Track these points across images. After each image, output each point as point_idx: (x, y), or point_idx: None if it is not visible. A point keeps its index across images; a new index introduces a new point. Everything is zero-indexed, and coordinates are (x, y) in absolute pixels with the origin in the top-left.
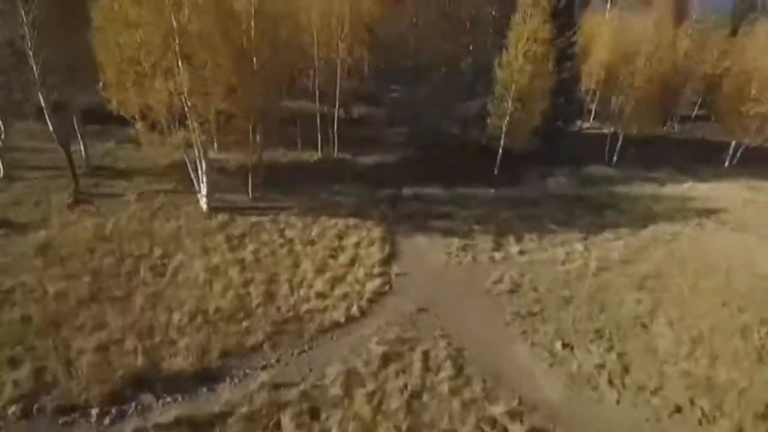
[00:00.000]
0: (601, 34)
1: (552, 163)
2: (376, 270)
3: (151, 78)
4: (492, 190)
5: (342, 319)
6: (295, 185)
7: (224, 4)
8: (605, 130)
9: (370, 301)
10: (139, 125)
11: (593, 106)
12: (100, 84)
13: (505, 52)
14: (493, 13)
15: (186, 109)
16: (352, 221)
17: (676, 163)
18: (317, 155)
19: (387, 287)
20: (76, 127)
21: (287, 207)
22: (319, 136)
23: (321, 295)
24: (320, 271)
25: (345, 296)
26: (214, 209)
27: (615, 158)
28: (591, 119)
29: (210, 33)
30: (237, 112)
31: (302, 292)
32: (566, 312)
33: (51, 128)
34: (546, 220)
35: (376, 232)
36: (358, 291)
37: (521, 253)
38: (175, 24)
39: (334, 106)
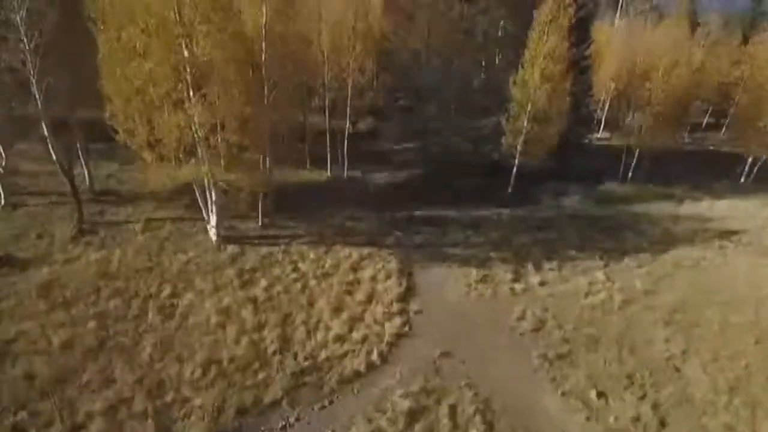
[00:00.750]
0: (612, 44)
1: (565, 180)
2: (395, 307)
3: (160, 109)
4: (506, 211)
5: (363, 368)
6: (306, 209)
7: (236, 31)
8: (615, 142)
9: (391, 344)
10: (146, 155)
11: (602, 116)
12: (107, 114)
13: (521, 69)
14: (507, 28)
15: (197, 142)
16: (366, 250)
17: (691, 178)
18: (327, 174)
19: (407, 327)
20: (78, 147)
21: (299, 234)
22: (328, 154)
23: (339, 339)
24: (337, 310)
25: (364, 339)
26: (223, 239)
27: (630, 174)
28: (601, 130)
29: (223, 62)
30: (250, 143)
31: (319, 335)
32: (595, 354)
33: (54, 157)
34: (564, 246)
35: (392, 263)
36: (378, 333)
37: (542, 284)
38: (186, 53)
39: (344, 124)
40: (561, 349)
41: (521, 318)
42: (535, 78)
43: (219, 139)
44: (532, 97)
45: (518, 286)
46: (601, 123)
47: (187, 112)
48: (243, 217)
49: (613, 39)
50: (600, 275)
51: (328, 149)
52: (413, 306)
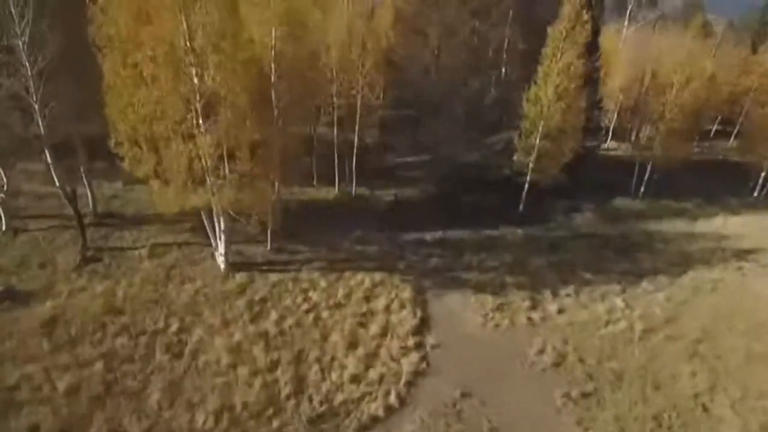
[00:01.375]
0: (620, 53)
1: (576, 196)
2: (411, 341)
3: (168, 139)
4: (519, 231)
5: (381, 412)
6: (315, 231)
7: (248, 59)
8: (623, 152)
9: (409, 384)
10: (154, 184)
11: (610, 126)
12: (111, 142)
13: (534, 85)
14: (520, 45)
15: (206, 171)
16: (378, 276)
17: (703, 191)
18: (334, 191)
19: (424, 364)
20: (81, 167)
21: (308, 259)
22: (336, 171)
23: (355, 379)
24: (351, 345)
25: (381, 379)
26: (231, 266)
27: (642, 189)
28: (608, 140)
29: (234, 92)
30: (260, 170)
31: (334, 375)
32: (619, 391)
33: (57, 183)
34: (579, 268)
35: (406, 290)
36: (395, 371)
37: (560, 311)
38: (196, 81)
39: (351, 137)
40: (585, 387)
41: (541, 351)
42: (548, 94)
43: (228, 169)
44: (545, 114)
45: (536, 315)
46: (608, 133)
47: (196, 142)
48: (251, 240)
49: (621, 48)
50: (618, 301)
51: (336, 167)
52: (430, 339)
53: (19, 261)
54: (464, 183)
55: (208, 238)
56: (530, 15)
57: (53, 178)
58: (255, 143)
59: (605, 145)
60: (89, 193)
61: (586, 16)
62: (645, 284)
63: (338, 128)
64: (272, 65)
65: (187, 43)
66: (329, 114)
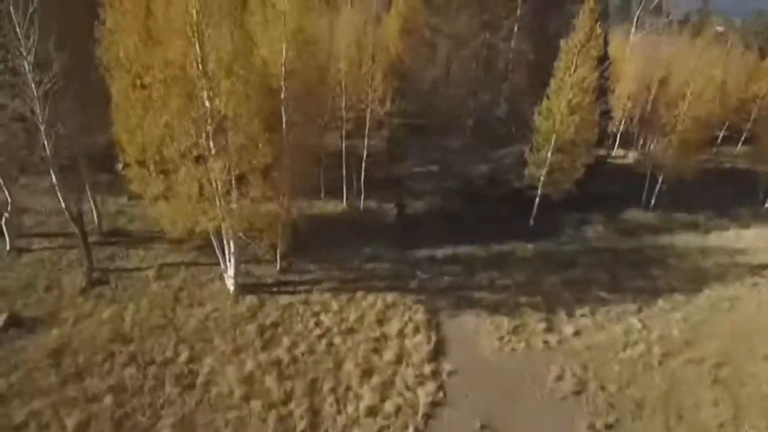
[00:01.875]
0: (627, 60)
1: (586, 207)
2: (426, 369)
3: (178, 163)
4: (530, 246)
5: None
6: (324, 248)
7: (261, 83)
8: (631, 160)
9: (426, 416)
10: (162, 207)
11: (617, 134)
12: (120, 165)
13: (546, 99)
14: (530, 57)
15: (217, 197)
16: (390, 297)
17: (713, 202)
18: (342, 205)
19: (441, 393)
20: (86, 183)
21: (318, 280)
22: (344, 185)
23: (371, 412)
24: (366, 373)
25: (398, 411)
26: (240, 287)
27: (653, 201)
28: (616, 147)
29: (248, 115)
30: (273, 194)
31: (350, 408)
32: (641, 421)
33: (63, 205)
34: (594, 287)
35: (419, 312)
36: (411, 403)
37: (576, 334)
38: (208, 105)
39: (357, 145)
40: (608, 418)
41: (560, 377)
42: (561, 108)
43: (240, 193)
44: (558, 128)
45: (552, 338)
46: (615, 140)
47: (206, 166)
48: (259, 260)
49: (628, 55)
50: (635, 322)
51: (344, 180)
52: (446, 366)
53: (24, 283)
54: (473, 196)
55: (216, 257)
56: (542, 27)
57: (58, 197)
58: (267, 166)
59: (612, 153)
60: (94, 210)
61: (599, 30)
62: (661, 303)
63: (346, 140)
64: (282, 83)
65: (200, 67)
66: (338, 128)
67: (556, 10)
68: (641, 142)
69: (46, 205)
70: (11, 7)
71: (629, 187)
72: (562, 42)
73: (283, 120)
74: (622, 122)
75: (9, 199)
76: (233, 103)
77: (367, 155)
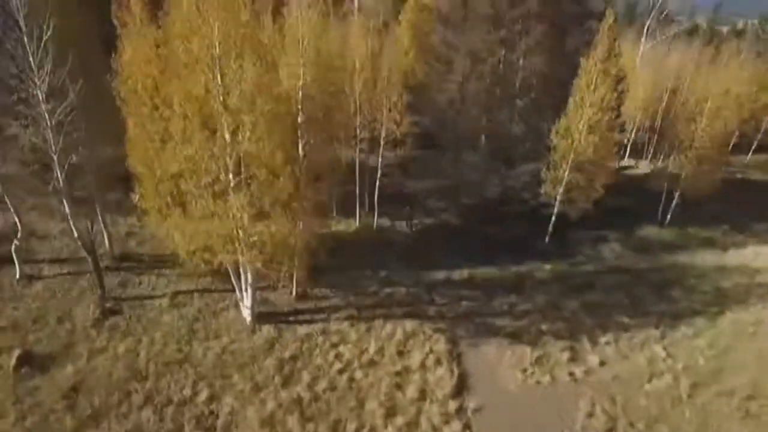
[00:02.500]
0: (637, 71)
1: (601, 223)
2: (451, 406)
3: (198, 198)
4: (547, 266)
5: None
6: (339, 272)
7: (284, 115)
8: (641, 170)
9: None
10: (179, 240)
11: (628, 144)
12: (136, 197)
13: (563, 117)
14: (548, 74)
15: (237, 232)
16: (409, 325)
17: (728, 217)
18: (355, 224)
19: None
20: (98, 208)
21: (335, 307)
22: (357, 204)
23: None
24: (390, 413)
25: None
26: (257, 317)
27: (668, 218)
28: (626, 157)
29: (271, 149)
30: (291, 228)
31: None
32: None
33: (75, 234)
34: (614, 311)
35: (440, 342)
36: None
37: (602, 364)
38: (228, 137)
39: (373, 171)
40: None
41: (590, 414)
42: (580, 127)
43: (259, 227)
44: (576, 147)
45: (577, 370)
46: (625, 150)
47: (226, 201)
48: (274, 285)
49: (639, 65)
50: (659, 350)
51: (357, 198)
52: (470, 402)
53: (35, 315)
54: (488, 214)
55: (230, 283)
56: (560, 43)
57: (70, 225)
58: (290, 197)
59: (623, 163)
60: (105, 234)
61: (619, 49)
62: (684, 328)
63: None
64: (299, 107)
65: (222, 101)
66: (352, 147)
67: (575, 26)
68: (651, 152)
69: (55, 228)
70: (25, 37)
71: (643, 201)
72: (581, 60)
73: (300, 147)
74: (633, 132)
75: (19, 227)
76: (256, 138)
77: (381, 174)
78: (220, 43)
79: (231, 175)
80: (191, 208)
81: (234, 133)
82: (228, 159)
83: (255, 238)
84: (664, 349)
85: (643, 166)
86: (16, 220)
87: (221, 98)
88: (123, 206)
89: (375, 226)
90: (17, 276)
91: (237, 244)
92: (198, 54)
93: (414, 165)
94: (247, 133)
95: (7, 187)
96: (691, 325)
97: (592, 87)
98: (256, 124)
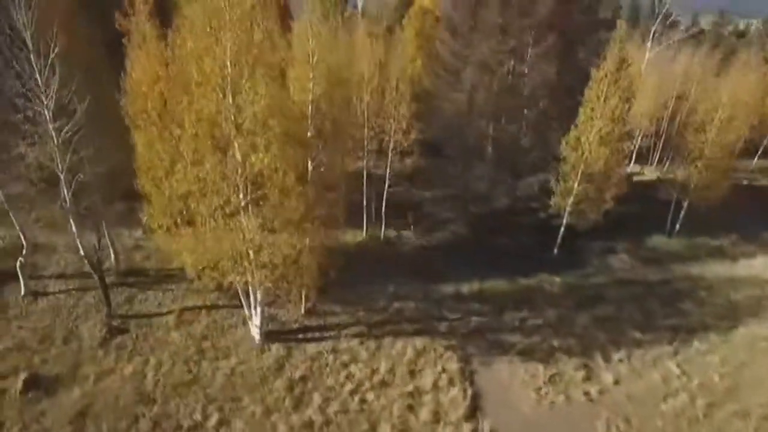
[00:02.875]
0: (643, 77)
1: (609, 233)
2: (465, 429)
3: (209, 219)
4: (557, 279)
5: None
6: (347, 286)
7: (297, 136)
8: (646, 177)
9: None
10: (188, 260)
11: (634, 150)
12: (144, 219)
13: (574, 129)
14: (557, 84)
15: (248, 252)
16: (419, 343)
17: (736, 225)
18: (362, 235)
19: None
20: (104, 225)
21: (345, 323)
22: (365, 215)
23: None
24: None
25: None
26: (266, 336)
27: (677, 227)
28: (632, 163)
29: (284, 170)
30: (302, 247)
31: None
32: None
33: (82, 252)
34: (627, 325)
35: (451, 362)
36: None
37: (616, 382)
38: (239, 157)
39: (380, 182)
40: None
41: None
42: (590, 139)
43: (271, 248)
44: (587, 158)
45: (592, 389)
46: (631, 156)
47: (238, 222)
48: (283, 301)
49: (644, 71)
50: (673, 367)
51: (365, 210)
52: (485, 425)
53: (41, 335)
54: (496, 224)
55: (237, 297)
56: (570, 53)
57: (77, 244)
58: (301, 217)
59: (629, 169)
60: (111, 248)
61: (630, 60)
62: (697, 344)
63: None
64: (309, 122)
65: (234, 122)
66: (359, 157)
67: (584, 36)
68: (657, 158)
69: (61, 241)
70: (32, 55)
71: (649, 209)
72: (592, 71)
73: (310, 163)
74: (639, 138)
75: (24, 243)
76: (269, 159)
77: (389, 185)
78: (232, 63)
79: (242, 196)
80: (201, 228)
81: (246, 155)
82: (239, 180)
83: (266, 259)
84: (678, 366)
85: (649, 172)
86: (22, 237)
87: (233, 119)
88: (128, 218)
89: (382, 236)
90: (22, 292)
91: (247, 265)
92: (209, 73)
93: (421, 174)
94: (260, 155)
95: (13, 205)
96: (704, 340)
97: (603, 98)
98: (269, 145)
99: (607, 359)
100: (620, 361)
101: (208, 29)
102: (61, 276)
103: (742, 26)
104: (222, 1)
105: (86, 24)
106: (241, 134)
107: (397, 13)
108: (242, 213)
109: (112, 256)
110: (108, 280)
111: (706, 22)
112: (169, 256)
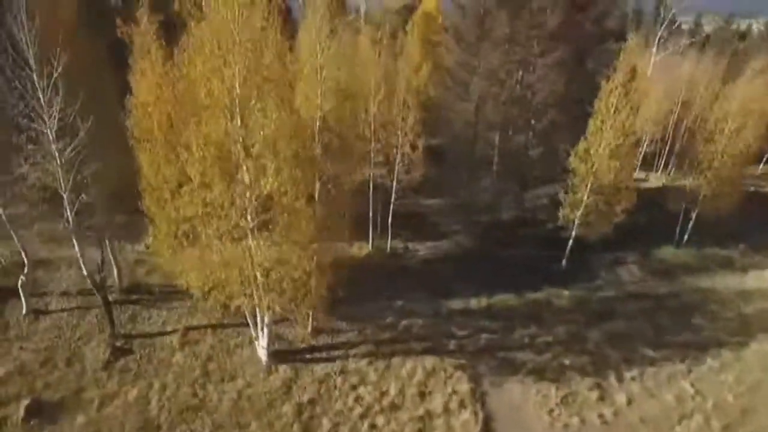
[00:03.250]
0: (648, 83)
1: (617, 243)
2: None
3: (216, 239)
4: (566, 292)
5: None
6: (354, 302)
7: (310, 160)
8: (652, 183)
9: None
10: (195, 282)
11: (639, 157)
12: (149, 239)
13: (583, 141)
14: (565, 94)
15: (256, 277)
16: (428, 362)
17: (745, 234)
18: (367, 248)
19: None
20: (105, 237)
21: (353, 342)
22: (370, 226)
23: None
24: None
25: None
26: (272, 356)
27: (686, 237)
28: (637, 169)
29: (295, 195)
30: (311, 269)
31: None
32: None
33: (84, 272)
34: (638, 342)
35: (462, 383)
36: None
37: (629, 403)
38: (248, 180)
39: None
40: None
41: None
42: (600, 151)
43: (280, 273)
44: (597, 171)
45: (606, 411)
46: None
47: (245, 247)
48: (289, 318)
49: (651, 76)
50: (687, 386)
51: (371, 222)
52: None
53: (43, 357)
54: (504, 235)
55: (243, 316)
56: (579, 64)
57: (80, 263)
58: (311, 239)
59: (634, 176)
60: (113, 263)
61: (641, 70)
62: (710, 361)
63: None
64: (317, 139)
65: (243, 146)
66: (365, 169)
67: (594, 47)
68: (662, 164)
69: (62, 256)
70: (35, 74)
71: (657, 218)
72: (602, 82)
73: (318, 182)
74: (644, 145)
75: (26, 262)
76: (279, 183)
77: (395, 198)
78: (241, 85)
79: (250, 218)
80: (207, 251)
81: (256, 179)
82: (248, 203)
83: (275, 284)
84: (692, 385)
85: (655, 179)
86: (23, 254)
87: (242, 142)
88: (131, 230)
89: (389, 248)
90: (24, 311)
91: (255, 290)
92: (218, 96)
93: (428, 185)
94: (270, 179)
95: (14, 224)
96: (716, 357)
97: (613, 110)
98: (279, 169)
99: (619, 378)
100: (633, 379)
101: (217, 51)
102: (63, 293)
103: (743, 27)
104: (231, 24)
105: (88, 38)
106: (250, 157)
107: (400, 17)
108: (250, 236)
109: (115, 271)
110: (111, 296)
111: (707, 22)
112: (173, 274)
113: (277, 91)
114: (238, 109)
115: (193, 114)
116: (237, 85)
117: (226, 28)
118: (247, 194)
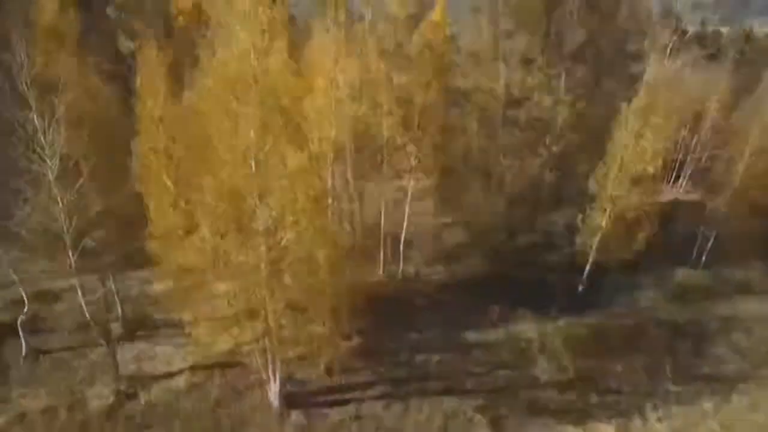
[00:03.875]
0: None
1: (634, 266)
2: None
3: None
4: (584, 321)
5: None
6: (368, 336)
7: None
8: (666, 195)
9: None
10: (203, 330)
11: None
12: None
13: (603, 165)
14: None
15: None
16: (447, 403)
17: (762, 254)
18: (378, 273)
19: None
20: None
21: (369, 383)
22: (381, 251)
23: None
24: None
25: None
26: (285, 400)
27: (703, 258)
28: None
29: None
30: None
31: None
32: None
33: (87, 316)
34: (661, 376)
35: (482, 427)
36: None
37: None
38: (262, 228)
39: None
40: None
41: None
42: (620, 177)
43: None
44: (617, 196)
45: None
46: None
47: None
48: (302, 358)
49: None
50: (716, 427)
51: (381, 243)
52: None
53: (44, 404)
54: (519, 260)
55: (252, 355)
56: (597, 85)
57: (82, 304)
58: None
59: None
60: (116, 296)
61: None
62: (736, 398)
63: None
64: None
65: (258, 197)
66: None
67: (612, 68)
68: (672, 178)
69: (63, 288)
70: (35, 116)
71: (672, 236)
72: (623, 105)
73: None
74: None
75: (26, 301)
76: (296, 235)
77: (407, 225)
78: (257, 134)
79: (263, 266)
80: (217, 301)
81: (272, 233)
82: (263, 254)
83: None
84: (722, 426)
85: (667, 192)
86: (23, 294)
87: (258, 192)
88: (133, 259)
89: (400, 274)
90: (23, 353)
91: (268, 343)
92: (233, 142)
93: (440, 207)
94: (287, 232)
95: (14, 266)
96: (744, 393)
97: (634, 134)
98: (297, 220)
99: (643, 417)
100: (658, 420)
101: (234, 104)
102: (63, 330)
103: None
104: (250, 78)
105: (94, 75)
106: (266, 206)
107: (406, 27)
108: (264, 287)
109: (118, 305)
110: (114, 332)
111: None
112: (176, 305)
113: (294, 136)
114: (253, 158)
115: (204, 160)
116: (253, 134)
117: (244, 81)
118: (262, 246)
